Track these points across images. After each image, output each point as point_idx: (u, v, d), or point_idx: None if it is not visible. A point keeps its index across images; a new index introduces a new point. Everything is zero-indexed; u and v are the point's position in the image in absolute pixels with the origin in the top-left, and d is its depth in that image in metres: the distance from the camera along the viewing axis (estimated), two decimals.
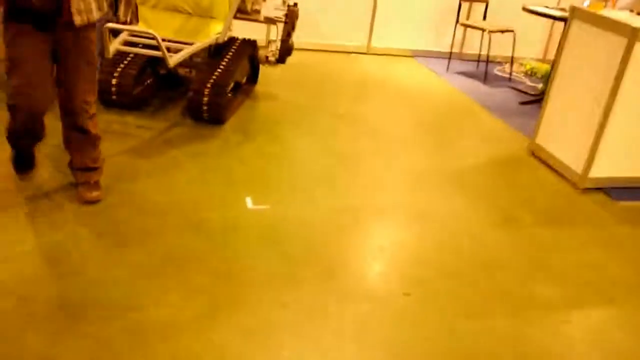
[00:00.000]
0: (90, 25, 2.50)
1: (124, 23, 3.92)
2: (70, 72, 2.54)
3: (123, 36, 3.54)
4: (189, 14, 3.81)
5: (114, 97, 3.78)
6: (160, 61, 3.59)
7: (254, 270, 2.40)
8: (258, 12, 4.29)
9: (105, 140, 3.33)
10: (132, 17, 3.92)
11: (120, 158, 3.20)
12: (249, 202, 2.92)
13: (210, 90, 3.71)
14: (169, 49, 3.61)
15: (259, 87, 4.66)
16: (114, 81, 3.73)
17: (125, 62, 3.81)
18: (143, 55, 3.73)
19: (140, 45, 3.64)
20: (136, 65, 3.82)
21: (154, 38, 3.23)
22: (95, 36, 2.61)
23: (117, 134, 3.51)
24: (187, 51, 3.54)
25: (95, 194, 2.72)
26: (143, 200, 2.83)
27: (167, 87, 4.28)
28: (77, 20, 2.39)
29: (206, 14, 3.82)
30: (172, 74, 4.17)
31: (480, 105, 5.00)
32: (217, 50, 4.07)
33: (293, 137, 3.83)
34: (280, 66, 4.63)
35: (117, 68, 3.76)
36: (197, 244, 2.53)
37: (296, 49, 5.63)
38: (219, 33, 3.87)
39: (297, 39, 5.12)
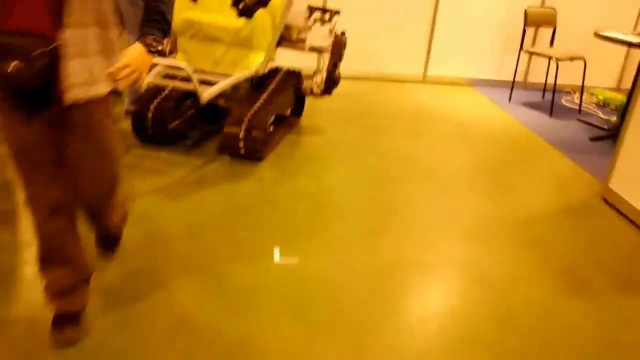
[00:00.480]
0: (99, 101, 1.77)
1: (164, 54, 3.78)
2: (74, 163, 1.83)
3: (158, 69, 3.38)
4: (229, 44, 3.62)
5: (149, 131, 3.62)
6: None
7: (272, 342, 2.10)
8: (303, 41, 4.06)
9: (134, 178, 3.18)
10: (172, 47, 3.77)
11: (145, 199, 3.00)
12: (276, 253, 2.63)
13: (248, 124, 3.48)
14: (208, 82, 3.43)
15: (305, 120, 4.42)
16: (149, 115, 3.57)
17: (163, 95, 3.65)
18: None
19: (179, 78, 3.47)
20: (173, 98, 3.66)
21: (185, 71, 3.04)
22: (111, 110, 1.90)
23: (148, 171, 3.32)
24: (221, 84, 3.34)
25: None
26: (163, 247, 2.60)
27: (208, 120, 4.10)
28: (70, 96, 1.68)
29: (246, 45, 3.61)
30: (213, 106, 3.98)
31: (546, 141, 4.56)
32: (259, 82, 3.86)
33: (335, 177, 3.54)
34: (329, 96, 4.36)
35: (153, 101, 3.60)
36: (212, 307, 2.26)
37: (347, 78, 5.39)
38: (259, 64, 3.66)
39: (348, 67, 4.86)
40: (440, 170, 3.79)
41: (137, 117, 3.59)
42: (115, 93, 1.89)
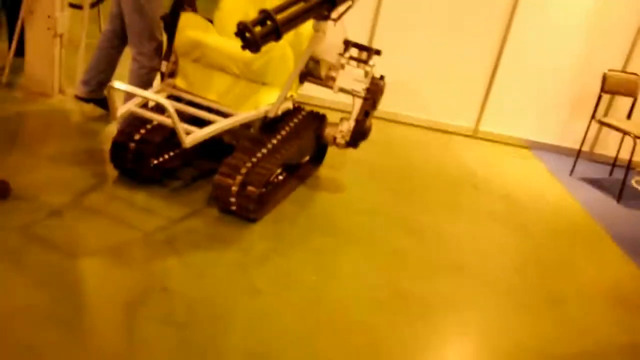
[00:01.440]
0: None
1: (162, 76, 3.18)
2: None
3: (140, 98, 2.77)
4: (237, 76, 2.97)
5: (129, 165, 3.00)
6: (204, 123, 2.78)
7: None
8: (334, 80, 3.39)
9: (89, 227, 2.55)
10: (174, 68, 3.16)
11: (89, 260, 2.36)
12: None
13: (244, 176, 2.82)
14: (205, 117, 2.80)
15: (324, 170, 3.73)
16: (131, 146, 2.95)
17: (152, 124, 3.03)
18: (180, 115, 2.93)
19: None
20: (164, 130, 3.02)
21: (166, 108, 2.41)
22: None
23: (110, 219, 2.69)
24: (212, 128, 2.70)
25: None
26: (75, 338, 1.94)
27: (209, 156, 3.46)
28: None
29: (257, 79, 2.96)
30: (216, 141, 3.34)
31: (610, 236, 3.74)
32: (272, 122, 3.20)
33: (343, 259, 2.82)
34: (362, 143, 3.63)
35: (139, 130, 2.99)
36: None
37: (385, 120, 4.71)
38: (271, 105, 3.00)
39: (388, 107, 4.10)
40: (476, 262, 3.04)
41: (117, 147, 2.98)
42: None
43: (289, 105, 3.22)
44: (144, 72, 3.36)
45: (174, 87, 3.09)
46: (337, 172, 3.75)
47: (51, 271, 2.26)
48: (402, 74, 4.77)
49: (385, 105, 3.54)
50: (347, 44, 3.41)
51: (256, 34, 2.33)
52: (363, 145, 3.65)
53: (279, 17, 2.41)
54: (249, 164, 2.88)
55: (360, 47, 3.42)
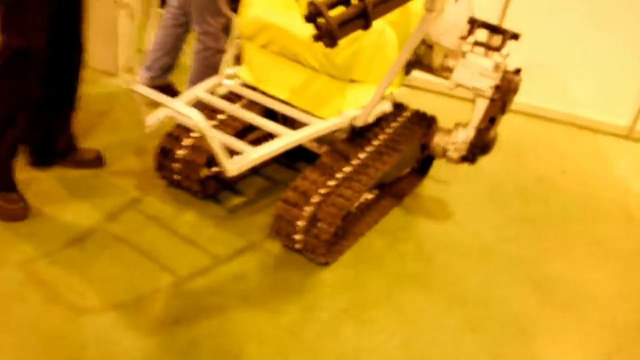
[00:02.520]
0: None
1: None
2: None
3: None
4: (315, 69, 2.20)
5: (176, 176, 2.38)
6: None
7: None
8: (450, 71, 2.52)
9: (108, 267, 1.97)
10: (239, 55, 2.46)
11: (87, 323, 1.77)
12: None
13: (315, 207, 2.10)
14: (286, 119, 2.10)
15: (428, 184, 2.91)
16: (179, 153, 2.32)
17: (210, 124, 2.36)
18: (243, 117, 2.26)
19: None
20: (230, 129, 2.34)
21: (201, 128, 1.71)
22: None
23: (138, 254, 2.08)
24: (264, 151, 1.97)
25: None
26: None
27: (282, 162, 2.78)
28: None
29: (342, 76, 2.17)
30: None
31: None
32: (364, 128, 2.42)
33: (440, 330, 2.02)
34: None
35: (189, 135, 2.34)
36: None
37: (517, 113, 3.75)
38: (360, 109, 2.21)
39: (521, 98, 3.09)
40: (637, 348, 2.11)
41: (162, 154, 2.36)
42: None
43: (385, 107, 2.41)
44: (209, 54, 2.72)
45: (237, 79, 2.40)
46: (446, 189, 2.90)
47: (42, 334, 1.70)
48: (537, 57, 3.76)
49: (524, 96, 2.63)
50: (473, 23, 2.51)
51: (331, 20, 1.54)
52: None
53: None
54: (323, 190, 2.14)
55: (492, 29, 2.50)
